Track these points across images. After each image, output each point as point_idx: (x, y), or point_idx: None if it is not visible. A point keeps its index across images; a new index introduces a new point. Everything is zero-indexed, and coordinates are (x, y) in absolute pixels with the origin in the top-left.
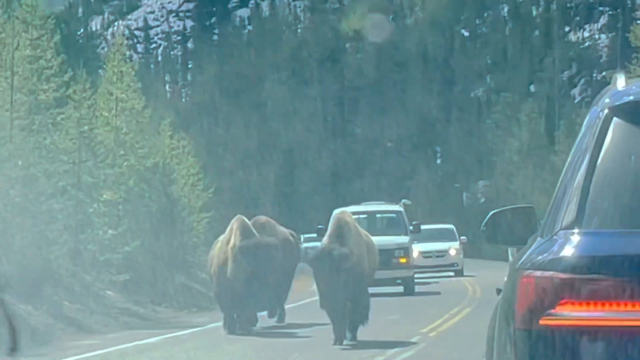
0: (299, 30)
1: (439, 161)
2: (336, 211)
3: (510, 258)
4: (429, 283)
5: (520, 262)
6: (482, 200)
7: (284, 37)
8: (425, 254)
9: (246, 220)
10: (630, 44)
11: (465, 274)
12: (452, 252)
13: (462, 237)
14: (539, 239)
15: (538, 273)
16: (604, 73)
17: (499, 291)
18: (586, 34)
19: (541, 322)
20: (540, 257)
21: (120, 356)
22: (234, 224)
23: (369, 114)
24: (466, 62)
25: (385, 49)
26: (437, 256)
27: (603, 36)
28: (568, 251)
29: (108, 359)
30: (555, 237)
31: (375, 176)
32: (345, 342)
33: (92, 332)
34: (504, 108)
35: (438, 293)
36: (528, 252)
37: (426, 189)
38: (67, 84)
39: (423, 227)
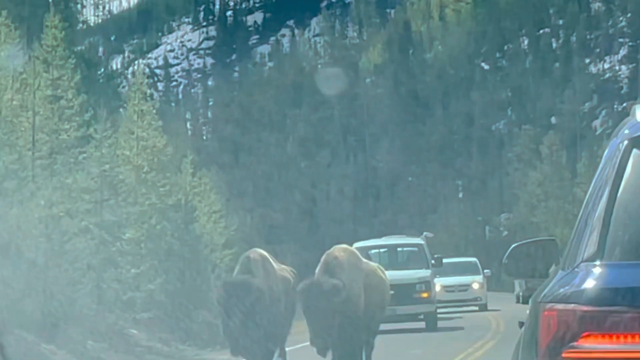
0: (319, 66)
1: (460, 195)
2: (339, 247)
3: (517, 288)
4: (452, 318)
5: (542, 295)
6: (505, 233)
7: (304, 73)
8: (447, 288)
9: (255, 256)
10: None
11: (489, 308)
12: (476, 286)
13: (485, 271)
14: (560, 271)
15: (560, 306)
16: (624, 104)
17: (521, 324)
18: (606, 66)
19: (564, 355)
20: (562, 290)
21: None
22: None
23: (389, 149)
24: (487, 96)
25: (406, 83)
26: (460, 290)
27: (623, 67)
28: (590, 283)
29: None
30: (576, 269)
31: (397, 211)
32: None
33: None
34: (525, 141)
35: (462, 328)
36: (550, 285)
37: (448, 222)
38: (88, 123)
39: (445, 260)
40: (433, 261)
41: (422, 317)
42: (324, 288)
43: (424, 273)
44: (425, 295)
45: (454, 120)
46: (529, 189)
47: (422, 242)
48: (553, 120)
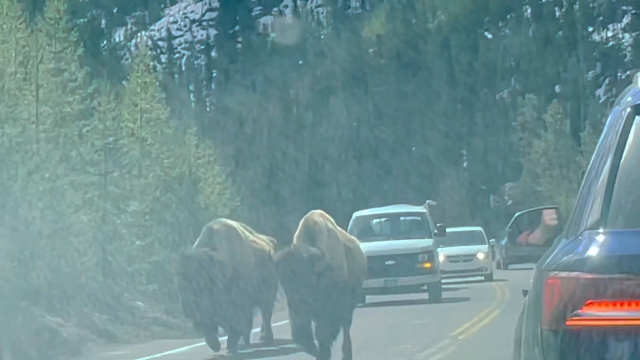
0: (322, 36)
1: (465, 164)
2: (316, 211)
3: (497, 255)
4: (457, 289)
5: (545, 263)
6: (510, 202)
7: (307, 43)
8: (451, 259)
9: (219, 227)
10: None
11: (495, 277)
12: (481, 256)
13: (490, 240)
14: (564, 239)
15: (564, 274)
16: (628, 72)
17: (525, 293)
18: (610, 34)
19: (568, 322)
20: (565, 258)
21: None
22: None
23: (393, 118)
24: (490, 65)
25: (409, 53)
26: (464, 260)
27: (627, 35)
28: (593, 251)
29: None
30: (580, 237)
31: (401, 180)
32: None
33: (123, 342)
34: (529, 110)
35: (467, 299)
36: (554, 253)
37: (453, 192)
38: (91, 96)
39: (449, 230)
40: (436, 230)
41: (425, 288)
42: (303, 257)
43: (427, 242)
44: (428, 265)
45: (457, 90)
46: (533, 157)
47: (425, 210)
48: (557, 88)
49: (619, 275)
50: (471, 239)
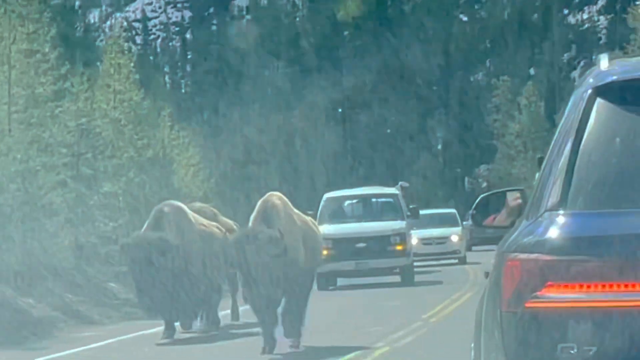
0: (297, 19)
1: (439, 146)
2: (274, 194)
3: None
4: (430, 272)
5: (506, 245)
6: (484, 184)
7: (282, 26)
8: (425, 241)
9: (169, 210)
10: (629, 25)
11: (468, 260)
12: (454, 239)
13: (464, 222)
14: (524, 221)
15: (523, 256)
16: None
17: (487, 275)
18: (585, 16)
19: (527, 304)
20: (525, 240)
21: (123, 347)
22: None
23: (368, 101)
24: (465, 47)
25: (384, 36)
26: (438, 243)
27: (602, 18)
28: (553, 233)
29: (110, 350)
30: (540, 219)
31: (376, 162)
32: (289, 348)
33: (95, 323)
34: (504, 92)
35: (440, 282)
36: (514, 235)
37: (427, 174)
38: (64, 77)
39: (423, 212)
40: (409, 212)
41: (397, 271)
42: (261, 238)
43: (399, 225)
44: (400, 248)
45: (432, 72)
46: (507, 140)
47: (397, 192)
48: (532, 71)
49: (578, 257)
50: (445, 221)
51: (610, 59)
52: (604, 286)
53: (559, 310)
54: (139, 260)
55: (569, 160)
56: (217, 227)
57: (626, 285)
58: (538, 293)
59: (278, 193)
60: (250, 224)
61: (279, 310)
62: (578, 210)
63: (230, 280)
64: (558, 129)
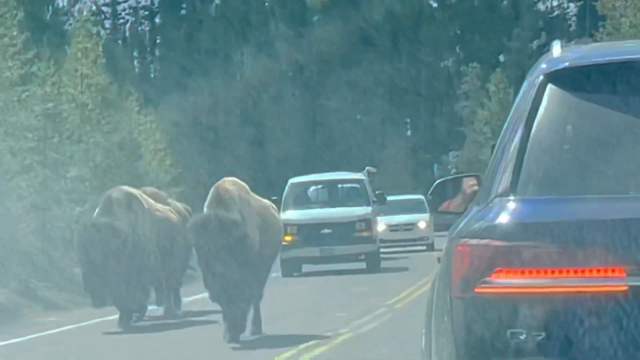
0: (266, 3)
1: (409, 133)
2: (229, 179)
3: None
4: (397, 258)
5: (456, 231)
6: (453, 171)
7: (252, 11)
8: (392, 227)
9: (119, 195)
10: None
11: (436, 247)
12: (422, 225)
13: (430, 210)
14: (475, 206)
15: (473, 241)
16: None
17: (439, 260)
18: (555, 3)
19: (477, 290)
20: (475, 225)
21: (87, 332)
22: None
23: (338, 86)
24: (435, 33)
25: (354, 21)
26: (405, 229)
27: (572, 4)
28: (502, 218)
29: (74, 335)
30: (490, 204)
31: (345, 149)
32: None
33: (59, 308)
34: (473, 79)
35: (405, 268)
36: (465, 220)
37: (396, 161)
38: (31, 61)
39: (391, 198)
40: (375, 198)
41: (362, 257)
42: (223, 222)
43: (365, 210)
44: (365, 234)
45: (402, 58)
46: (476, 126)
47: (364, 177)
48: (501, 58)
49: (527, 243)
50: (413, 207)
51: (563, 46)
52: (553, 272)
53: (508, 296)
54: (88, 247)
55: (520, 146)
56: (173, 212)
57: (575, 272)
58: (487, 279)
59: (233, 178)
60: (205, 210)
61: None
62: (528, 196)
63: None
64: (510, 115)
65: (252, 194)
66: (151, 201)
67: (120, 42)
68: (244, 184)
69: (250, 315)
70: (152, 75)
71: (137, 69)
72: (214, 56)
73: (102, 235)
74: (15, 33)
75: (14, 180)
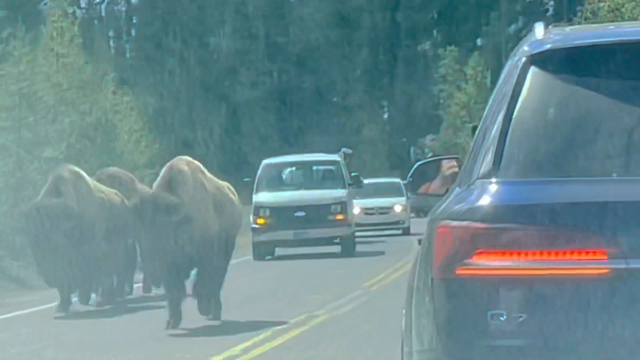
0: None
1: (386, 116)
2: (183, 158)
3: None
4: (372, 242)
5: (437, 212)
6: (430, 154)
7: None
8: (367, 211)
9: (66, 174)
10: None
11: (412, 231)
12: (398, 209)
13: (409, 193)
14: (457, 188)
15: (454, 223)
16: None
17: (420, 241)
18: None
19: (457, 272)
20: (456, 207)
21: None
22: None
23: (315, 68)
24: (412, 16)
25: (332, 3)
26: (380, 213)
27: None
28: (484, 200)
29: (48, 315)
30: (472, 186)
31: (322, 131)
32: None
33: (34, 288)
34: (450, 62)
35: (382, 252)
36: (446, 202)
37: (373, 143)
38: (6, 40)
39: (367, 181)
40: (351, 181)
41: (337, 240)
42: (158, 204)
43: (340, 193)
44: (340, 217)
45: (379, 41)
46: (453, 110)
47: (339, 159)
48: (479, 41)
49: (508, 225)
50: (389, 191)
51: (546, 28)
52: (533, 254)
53: (489, 278)
54: (37, 228)
55: (502, 128)
56: (117, 194)
57: (556, 254)
58: (468, 260)
59: (187, 157)
60: (153, 189)
61: (191, 283)
62: (510, 178)
63: None
64: (492, 97)
65: (207, 174)
66: (95, 183)
67: (95, 21)
68: (198, 163)
69: (206, 302)
70: (127, 56)
71: (112, 50)
72: (191, 36)
73: (50, 215)
74: None
75: None
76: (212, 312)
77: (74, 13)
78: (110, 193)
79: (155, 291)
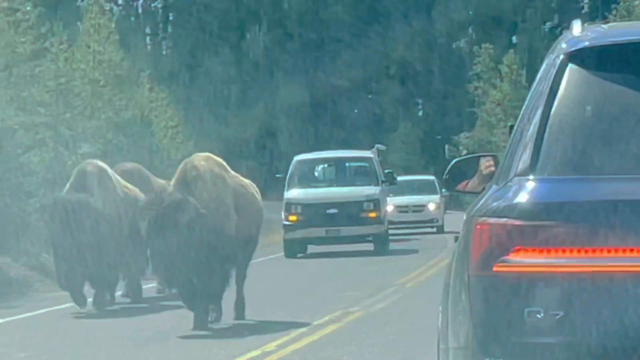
0: None
1: (420, 113)
2: (201, 154)
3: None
4: (406, 239)
5: (475, 209)
6: (464, 152)
7: None
8: (401, 209)
9: (92, 169)
10: None
11: (446, 229)
12: (432, 207)
13: (443, 190)
14: (494, 185)
15: (492, 220)
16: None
17: (457, 239)
18: None
19: (494, 268)
20: (494, 204)
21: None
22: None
23: (349, 66)
24: (448, 13)
25: (365, 1)
26: (414, 211)
27: None
28: (522, 198)
29: (84, 310)
30: (509, 183)
31: (356, 128)
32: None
33: None
34: (485, 59)
35: (416, 250)
36: (483, 199)
37: (407, 141)
38: (44, 37)
39: (401, 178)
40: (384, 178)
41: (370, 238)
42: (167, 205)
43: (373, 190)
44: (373, 215)
45: (415, 38)
46: (488, 107)
47: (372, 156)
48: (514, 39)
49: (546, 222)
50: (423, 188)
51: (583, 25)
52: (570, 251)
53: (526, 275)
54: (60, 224)
55: (540, 126)
56: (141, 191)
57: (593, 251)
58: (506, 257)
59: (207, 153)
60: (170, 188)
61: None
62: (547, 176)
63: None
64: (529, 95)
65: (230, 171)
66: (119, 178)
67: (132, 18)
68: (219, 159)
69: (230, 300)
70: (164, 53)
71: (149, 46)
72: (226, 33)
73: (74, 211)
74: (28, 8)
75: (26, 155)
76: (234, 311)
77: (111, 10)
78: (135, 189)
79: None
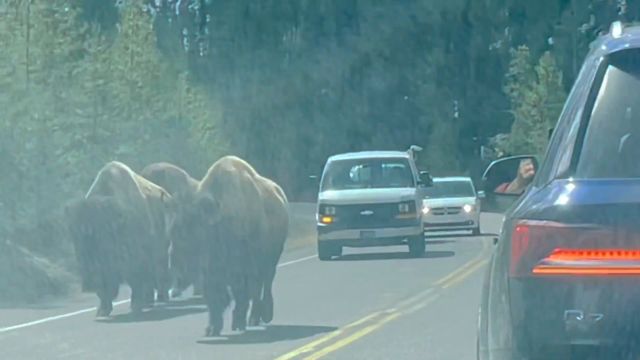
0: None
1: (456, 114)
2: (230, 158)
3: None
4: (442, 241)
5: (515, 211)
6: (500, 153)
7: None
8: (436, 211)
9: (116, 171)
10: None
11: (482, 232)
12: (468, 209)
13: (479, 192)
14: (533, 187)
15: (532, 222)
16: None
17: (496, 241)
18: None
19: (535, 270)
20: (534, 206)
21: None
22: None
23: (386, 68)
24: (484, 15)
25: (403, 2)
26: (449, 213)
27: None
28: (561, 200)
29: (122, 311)
30: (549, 186)
31: (393, 130)
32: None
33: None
34: (521, 61)
35: (452, 252)
36: (523, 201)
37: (443, 142)
38: (82, 38)
39: (437, 180)
40: (419, 179)
41: (405, 240)
42: (191, 206)
43: (409, 192)
44: (409, 216)
45: (450, 40)
46: (524, 109)
47: (408, 156)
48: (550, 40)
49: (586, 224)
50: (459, 190)
51: (624, 27)
52: (611, 254)
53: (567, 277)
54: (84, 227)
55: (580, 128)
56: (162, 192)
57: (634, 253)
58: (546, 259)
59: (235, 157)
60: (198, 190)
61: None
62: (587, 178)
63: None
64: (569, 97)
65: (256, 174)
66: (141, 179)
67: (169, 20)
68: (246, 163)
69: (241, 315)
70: (201, 54)
71: (186, 48)
72: (264, 35)
73: (98, 214)
74: (66, 9)
75: (64, 156)
76: (262, 315)
77: (148, 11)
78: (155, 189)
79: (187, 295)
